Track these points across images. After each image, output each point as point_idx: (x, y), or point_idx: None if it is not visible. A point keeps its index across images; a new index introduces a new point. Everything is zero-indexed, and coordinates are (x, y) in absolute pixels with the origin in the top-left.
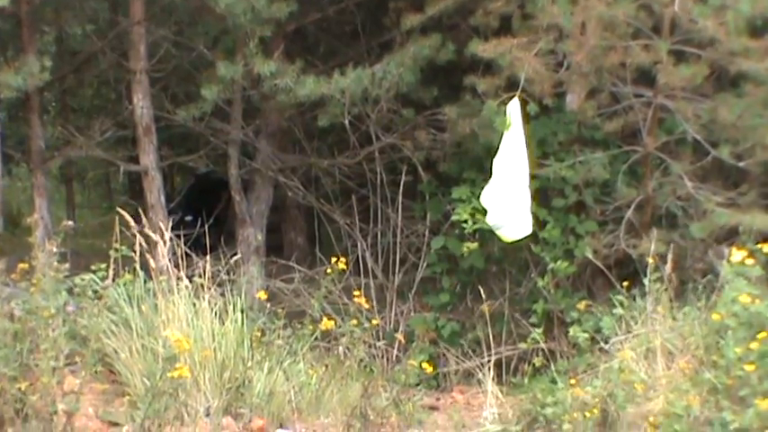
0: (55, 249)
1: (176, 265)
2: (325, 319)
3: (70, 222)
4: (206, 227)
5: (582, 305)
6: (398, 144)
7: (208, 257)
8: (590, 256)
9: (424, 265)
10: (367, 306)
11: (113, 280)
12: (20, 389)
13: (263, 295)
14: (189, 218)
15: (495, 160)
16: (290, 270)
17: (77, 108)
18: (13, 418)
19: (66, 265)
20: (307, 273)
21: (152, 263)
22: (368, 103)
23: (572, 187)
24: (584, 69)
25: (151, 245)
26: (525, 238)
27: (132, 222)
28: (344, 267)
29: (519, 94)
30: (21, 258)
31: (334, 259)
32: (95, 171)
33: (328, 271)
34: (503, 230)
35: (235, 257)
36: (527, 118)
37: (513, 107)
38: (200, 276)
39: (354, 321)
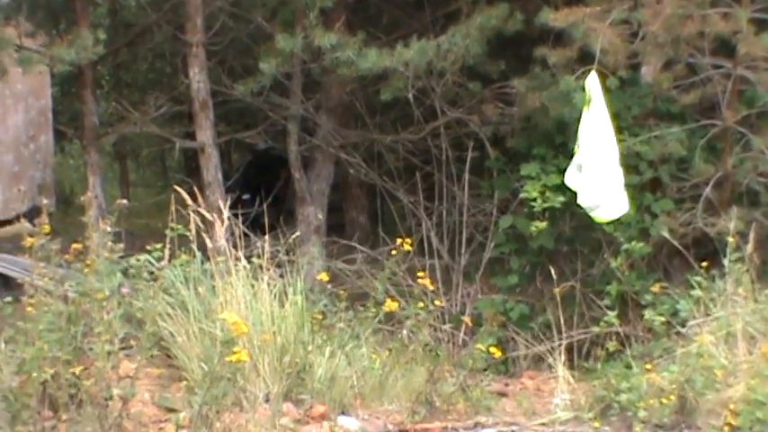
0: (109, 229)
1: (234, 246)
2: (388, 301)
3: (124, 201)
4: (264, 206)
5: (657, 287)
6: (464, 119)
7: (266, 237)
8: (666, 235)
9: (492, 245)
10: (432, 288)
11: (169, 261)
12: (74, 373)
13: (324, 277)
14: (247, 196)
15: (578, 137)
16: (352, 250)
17: (131, 83)
18: (67, 403)
19: (121, 246)
20: (369, 253)
21: (209, 243)
22: (432, 76)
23: (647, 163)
24: (660, 39)
25: (208, 224)
26: (631, 215)
27: (189, 201)
28: (409, 247)
29: (594, 66)
30: (74, 239)
31: (398, 239)
32: (150, 148)
33: (392, 251)
34: (598, 211)
35: (294, 237)
36: (606, 91)
37: (592, 81)
38: (259, 257)
39: (419, 304)
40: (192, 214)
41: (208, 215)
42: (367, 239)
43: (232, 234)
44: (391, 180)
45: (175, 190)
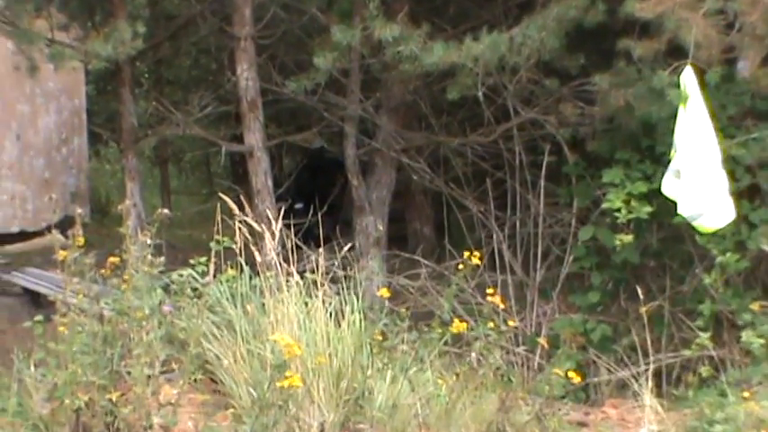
0: (149, 241)
1: (285, 259)
2: (455, 320)
3: (165, 210)
4: (319, 215)
5: (756, 305)
6: (540, 119)
7: (321, 250)
8: (766, 248)
9: (570, 259)
10: (504, 306)
11: (214, 276)
12: (110, 400)
13: (384, 293)
14: (299, 205)
15: (675, 140)
16: (416, 265)
17: (174, 80)
18: None
19: (162, 259)
20: (434, 268)
21: (258, 256)
22: (505, 72)
23: (744, 168)
24: (759, 31)
25: (257, 236)
26: (727, 226)
27: (235, 210)
28: (478, 262)
29: (689, 61)
30: (110, 251)
31: (465, 252)
32: (193, 152)
33: (459, 266)
34: (702, 220)
35: (352, 250)
36: (702, 88)
37: (688, 76)
38: (313, 272)
39: (490, 324)
40: (239, 225)
41: (256, 226)
42: (432, 253)
43: (283, 247)
44: (459, 187)
45: (221, 198)
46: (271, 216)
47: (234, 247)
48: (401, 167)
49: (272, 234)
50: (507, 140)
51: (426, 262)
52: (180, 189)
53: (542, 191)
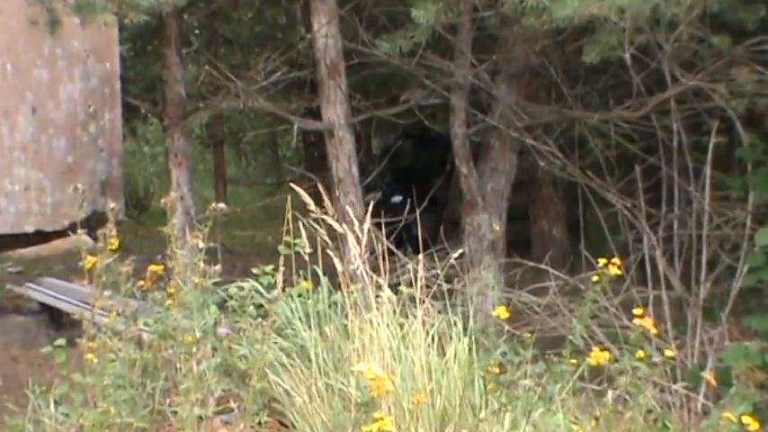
0: (201, 244)
1: (375, 269)
2: (594, 349)
3: (221, 205)
4: (418, 212)
5: None
6: (705, 88)
7: (420, 257)
8: None
9: (745, 269)
10: (657, 331)
11: (283, 290)
12: None
13: (501, 313)
14: (395, 199)
15: None
16: (542, 276)
17: (232, 39)
18: None
19: (217, 268)
20: (566, 280)
21: (339, 265)
22: (659, 28)
23: None
24: None
25: (339, 238)
26: None
27: (311, 205)
28: (623, 272)
29: None
30: (151, 258)
31: (604, 260)
32: (257, 130)
33: (598, 278)
34: None
35: (460, 257)
36: None
37: None
38: (410, 285)
39: (639, 353)
40: (315, 224)
41: (337, 226)
42: (563, 260)
43: (372, 252)
44: (599, 176)
45: (292, 189)
46: (355, 212)
47: (308, 252)
48: (524, 151)
49: (358, 236)
50: (662, 116)
51: (556, 272)
52: (239, 178)
53: (707, 181)
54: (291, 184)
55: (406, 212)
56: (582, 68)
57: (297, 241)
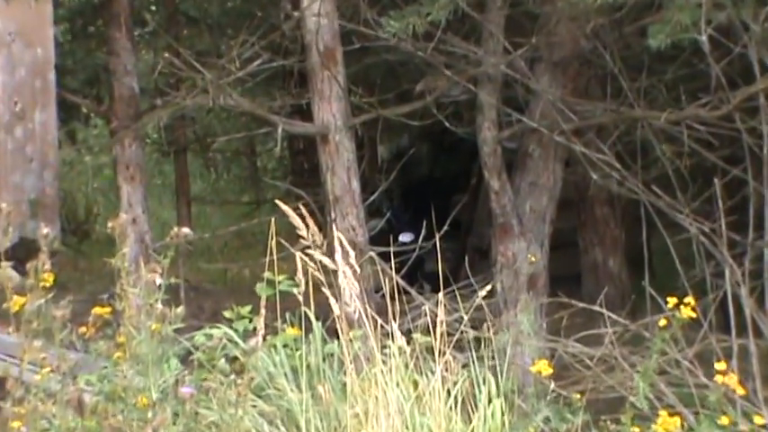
0: (158, 280)
1: (382, 311)
2: (662, 413)
3: (185, 230)
4: (436, 238)
5: None
6: None
7: (440, 296)
8: None
9: None
10: (744, 391)
11: (265, 338)
12: None
13: (543, 368)
14: (404, 237)
15: None
16: (595, 320)
17: (197, 18)
18: None
19: (180, 310)
20: (626, 325)
21: (335, 306)
22: (745, 2)
23: None
24: None
25: (333, 273)
26: None
27: (300, 229)
28: (696, 315)
29: None
30: (95, 297)
31: (674, 300)
32: (230, 135)
33: (665, 322)
34: None
35: (491, 296)
36: None
37: None
38: (427, 332)
39: (721, 419)
40: (304, 254)
41: (329, 261)
42: (622, 300)
43: (378, 291)
44: (668, 193)
45: (275, 209)
46: (355, 239)
47: (297, 291)
48: (572, 160)
49: (356, 270)
50: (749, 115)
51: (613, 316)
52: (207, 196)
53: None
54: (276, 202)
55: (420, 239)
56: (646, 55)
57: (281, 277)
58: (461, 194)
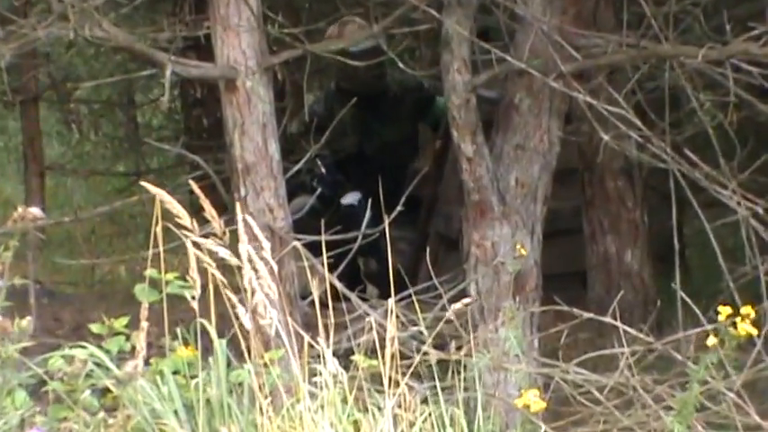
0: None
1: (309, 323)
2: None
3: (35, 210)
4: (385, 222)
5: None
6: None
7: (391, 303)
8: None
9: None
10: None
11: (147, 362)
12: None
13: (534, 402)
14: (348, 199)
15: None
16: (605, 335)
17: None
18: None
19: (27, 323)
20: (648, 344)
21: (245, 318)
22: None
23: None
24: None
25: (242, 272)
26: None
27: (206, 207)
28: (748, 331)
29: None
30: None
31: (721, 308)
32: (98, 80)
33: (711, 341)
34: None
35: (458, 301)
36: None
37: None
38: (373, 352)
39: None
40: (199, 245)
41: (243, 252)
42: (643, 308)
43: (305, 297)
44: (707, 160)
45: (165, 181)
46: (274, 224)
47: (191, 296)
48: (573, 115)
49: (272, 270)
50: None
51: (630, 330)
52: (68, 163)
53: None
54: (144, 184)
55: (365, 220)
56: None
57: (170, 276)
58: (421, 162)
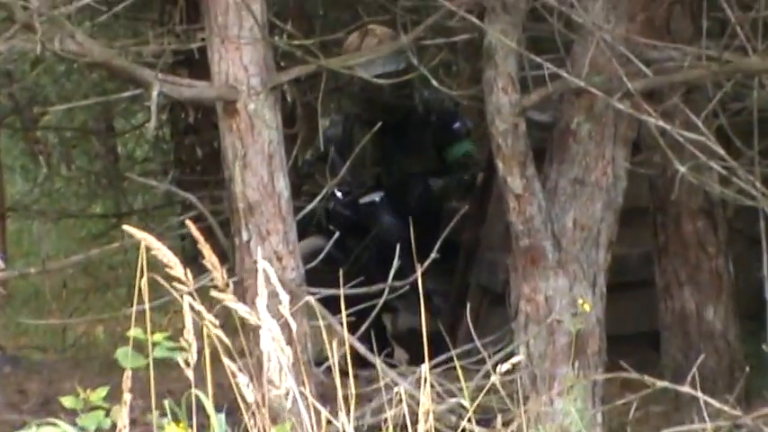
0: None
1: (326, 394)
2: None
3: None
4: (417, 272)
5: None
6: None
7: (424, 370)
8: None
9: None
10: None
11: None
12: None
13: None
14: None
15: None
16: (684, 408)
17: None
18: None
19: None
20: (736, 417)
21: (247, 389)
22: None
23: None
24: None
25: (251, 333)
26: None
27: (171, 260)
28: None
29: None
30: None
31: None
32: (71, 102)
33: None
34: None
35: (511, 368)
36: None
37: None
38: (403, 429)
39: None
40: (194, 301)
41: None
42: (729, 375)
43: (320, 364)
44: None
45: (151, 225)
46: (282, 274)
47: (184, 361)
48: (643, 143)
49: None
50: None
51: (714, 402)
52: (35, 203)
53: None
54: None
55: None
56: None
57: (159, 338)
58: (459, 199)
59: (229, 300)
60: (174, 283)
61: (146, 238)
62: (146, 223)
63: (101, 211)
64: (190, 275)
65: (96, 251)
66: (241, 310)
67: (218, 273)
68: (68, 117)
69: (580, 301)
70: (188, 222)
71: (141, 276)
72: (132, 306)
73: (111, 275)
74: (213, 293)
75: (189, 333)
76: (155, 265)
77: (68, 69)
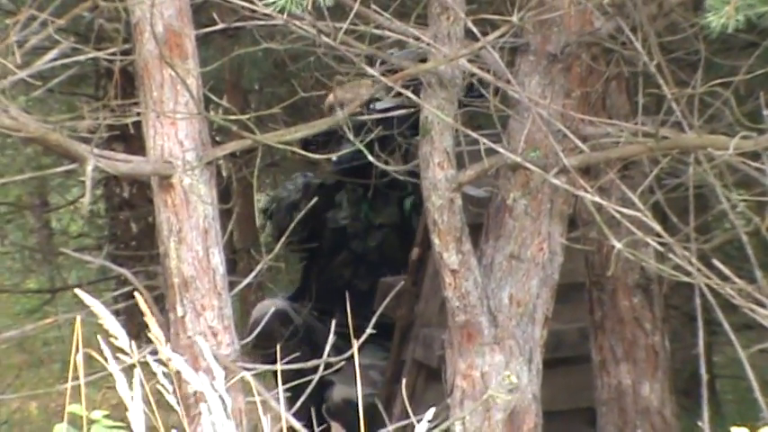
0: None
1: None
2: None
3: None
4: (354, 347)
5: None
6: None
7: None
8: None
9: None
10: None
11: None
12: None
13: None
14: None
15: None
16: None
17: None
18: None
19: None
20: None
21: None
22: None
23: None
24: None
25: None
26: None
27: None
28: None
29: None
30: None
31: None
32: (5, 177)
33: None
34: None
35: None
36: None
37: None
38: None
39: None
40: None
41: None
42: None
43: None
44: (742, 274)
45: (81, 302)
46: (220, 350)
47: None
48: (579, 218)
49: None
50: None
51: None
52: None
53: None
54: (79, 292)
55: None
56: (702, 43)
57: (97, 415)
58: (395, 274)
59: (178, 366)
60: (118, 354)
61: (93, 306)
62: (79, 300)
63: (35, 287)
64: (135, 347)
65: (30, 327)
66: (186, 374)
67: (161, 345)
68: (3, 192)
69: (514, 378)
70: (137, 295)
71: (77, 351)
72: (67, 381)
73: (45, 352)
74: (153, 365)
75: (135, 407)
76: (89, 340)
77: (3, 144)
